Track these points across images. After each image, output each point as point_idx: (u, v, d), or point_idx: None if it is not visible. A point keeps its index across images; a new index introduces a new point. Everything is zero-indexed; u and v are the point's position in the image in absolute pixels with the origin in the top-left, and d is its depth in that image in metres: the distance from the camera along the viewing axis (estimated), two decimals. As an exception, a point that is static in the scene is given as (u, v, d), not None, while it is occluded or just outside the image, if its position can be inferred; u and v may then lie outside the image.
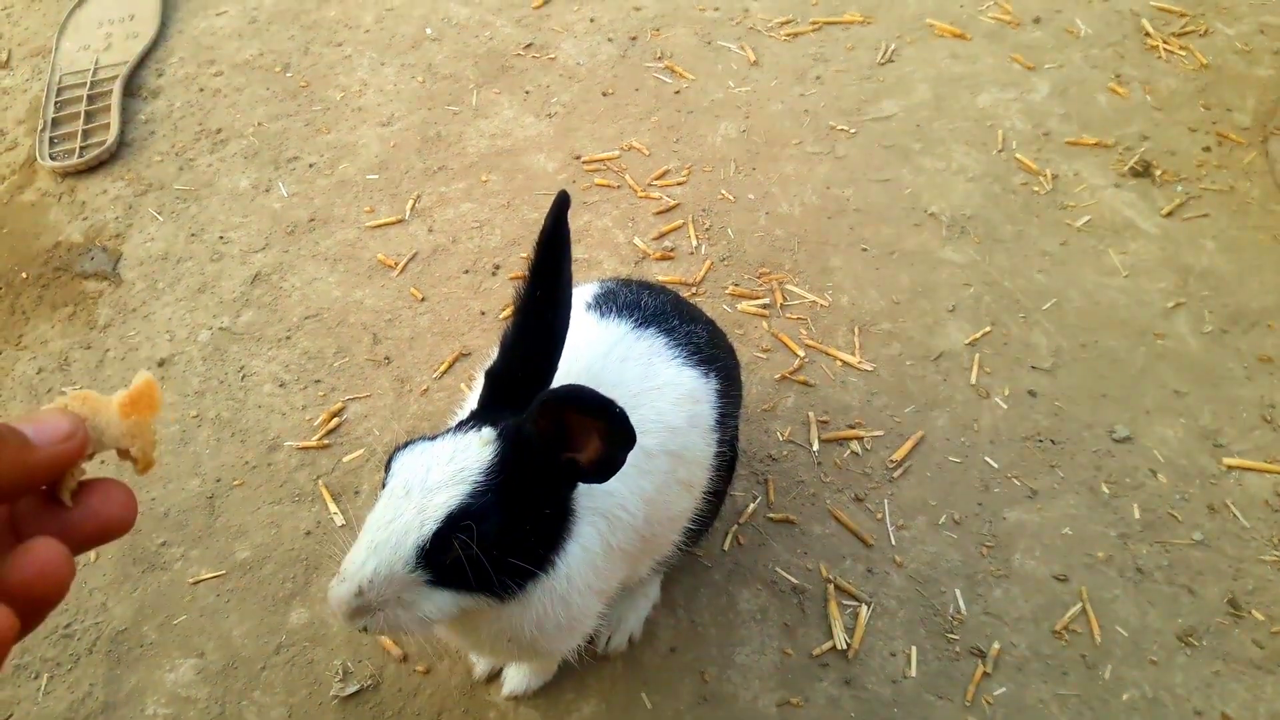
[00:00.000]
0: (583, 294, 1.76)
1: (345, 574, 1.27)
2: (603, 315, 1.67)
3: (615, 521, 1.48)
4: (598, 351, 1.57)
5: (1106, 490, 2.24)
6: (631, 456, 1.51)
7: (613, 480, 1.42)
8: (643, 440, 1.52)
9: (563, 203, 1.36)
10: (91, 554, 2.22)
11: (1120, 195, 2.88)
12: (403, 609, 1.29)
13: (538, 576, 1.37)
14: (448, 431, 1.37)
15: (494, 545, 1.27)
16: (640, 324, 1.65)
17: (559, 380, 1.45)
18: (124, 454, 0.79)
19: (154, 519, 2.28)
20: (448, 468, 1.28)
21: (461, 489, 1.26)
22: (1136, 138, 3.03)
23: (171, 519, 2.28)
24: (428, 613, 1.31)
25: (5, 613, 0.65)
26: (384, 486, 1.33)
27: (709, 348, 1.73)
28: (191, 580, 2.17)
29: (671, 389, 1.59)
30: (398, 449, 1.36)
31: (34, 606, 0.68)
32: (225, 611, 2.12)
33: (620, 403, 1.53)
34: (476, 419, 1.37)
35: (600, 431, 1.26)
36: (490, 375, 1.43)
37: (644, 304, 1.70)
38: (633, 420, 1.53)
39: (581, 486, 1.43)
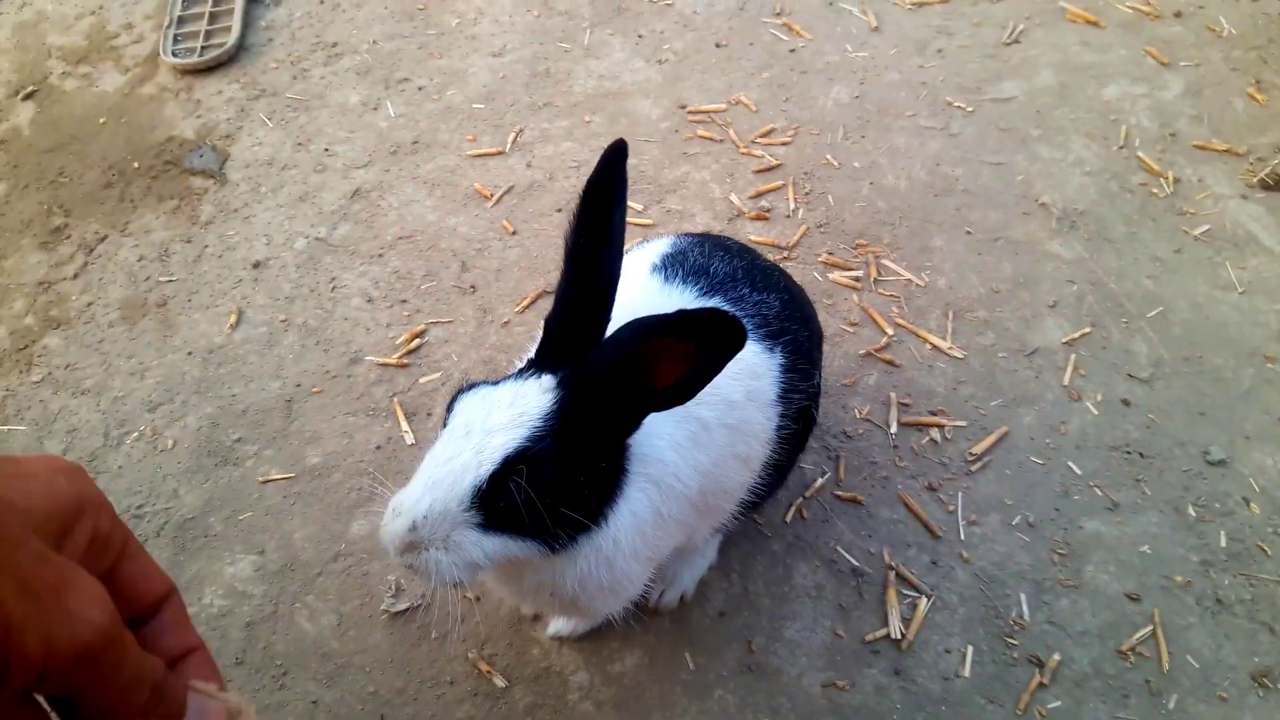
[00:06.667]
0: (650, 253, 1.72)
1: (401, 508, 1.27)
2: (667, 280, 1.63)
3: (668, 491, 1.46)
4: None
5: (1193, 513, 2.15)
6: (688, 427, 1.49)
7: (667, 450, 1.41)
8: (700, 412, 1.49)
9: (619, 150, 1.32)
10: (169, 441, 2.28)
11: (1246, 207, 2.73)
12: (450, 552, 1.28)
13: (588, 529, 1.36)
14: (509, 377, 1.36)
15: (548, 491, 1.26)
16: (705, 292, 1.61)
17: None
18: None
19: (233, 415, 2.33)
20: (508, 411, 1.28)
21: (520, 433, 1.26)
22: (1271, 149, 2.86)
23: (249, 417, 2.33)
24: (475, 558, 1.30)
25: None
26: (444, 426, 1.33)
27: (778, 320, 1.67)
28: (261, 479, 2.22)
29: (731, 363, 1.55)
30: (460, 391, 1.36)
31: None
32: (290, 513, 2.17)
33: None
34: (536, 366, 1.36)
35: (692, 349, 1.23)
36: (547, 324, 1.41)
37: (712, 270, 1.65)
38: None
39: (635, 452, 1.41)
